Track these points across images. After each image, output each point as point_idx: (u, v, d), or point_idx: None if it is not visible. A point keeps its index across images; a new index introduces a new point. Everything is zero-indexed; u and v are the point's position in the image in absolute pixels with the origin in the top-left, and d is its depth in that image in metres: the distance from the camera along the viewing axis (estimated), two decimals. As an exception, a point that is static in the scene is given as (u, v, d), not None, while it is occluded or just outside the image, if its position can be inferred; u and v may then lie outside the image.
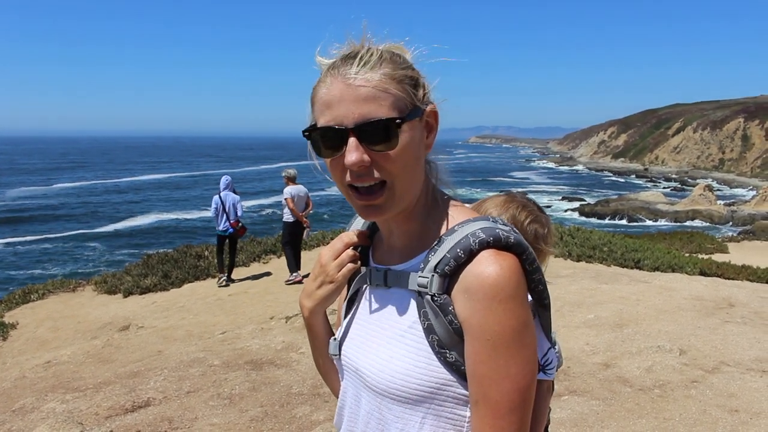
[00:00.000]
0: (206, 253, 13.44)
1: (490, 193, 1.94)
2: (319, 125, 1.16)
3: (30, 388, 6.23)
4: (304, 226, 11.07)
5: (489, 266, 1.11)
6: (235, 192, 11.44)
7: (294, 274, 11.14)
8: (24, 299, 11.76)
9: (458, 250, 1.13)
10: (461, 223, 1.20)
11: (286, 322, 7.76)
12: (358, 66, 1.13)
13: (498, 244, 1.13)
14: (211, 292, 10.89)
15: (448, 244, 1.16)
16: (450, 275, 1.15)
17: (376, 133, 1.11)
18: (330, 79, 1.15)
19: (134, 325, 9.18)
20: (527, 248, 1.16)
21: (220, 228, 11.27)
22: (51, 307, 11.14)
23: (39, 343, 9.11)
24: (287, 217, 11.06)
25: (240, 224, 11.37)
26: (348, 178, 1.16)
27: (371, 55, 1.15)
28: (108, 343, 7.90)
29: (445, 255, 1.15)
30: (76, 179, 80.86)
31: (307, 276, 11.57)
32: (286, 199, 10.96)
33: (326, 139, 1.15)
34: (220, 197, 11.25)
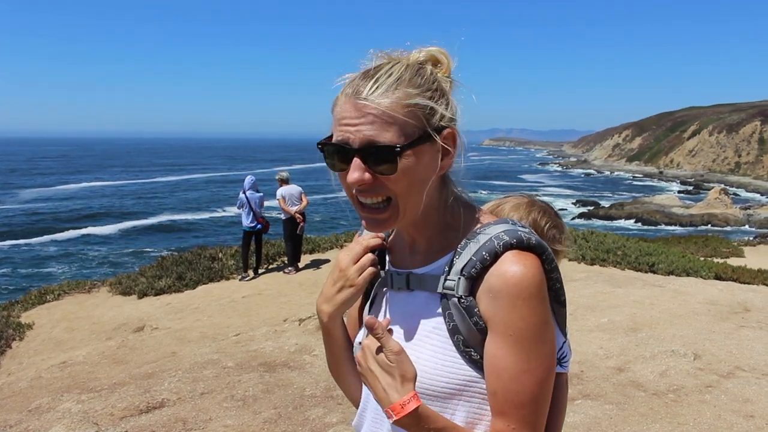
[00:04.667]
0: (220, 255, 13.50)
1: (501, 195, 1.95)
2: (331, 141, 1.21)
3: (46, 388, 6.30)
4: (298, 221, 11.96)
5: (513, 266, 1.16)
6: (258, 191, 12.21)
7: (288, 267, 12.32)
8: (40, 300, 11.85)
9: (484, 253, 1.19)
10: (483, 226, 1.25)
11: (300, 324, 7.79)
12: (372, 87, 1.16)
13: (521, 245, 1.18)
14: (225, 294, 10.94)
15: (473, 247, 1.21)
16: (475, 278, 1.19)
17: (377, 157, 1.15)
18: (344, 97, 1.19)
19: (148, 326, 9.24)
20: (546, 249, 1.22)
21: (249, 225, 11.99)
22: (66, 308, 11.22)
23: (55, 344, 9.19)
24: (283, 215, 12.16)
25: (265, 220, 12.17)
26: (354, 192, 1.22)
27: (389, 75, 1.18)
28: (123, 344, 7.97)
29: (470, 258, 1.20)
30: (92, 180, 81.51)
31: (301, 270, 11.90)
32: (278, 199, 12.05)
33: (335, 156, 1.21)
34: (246, 196, 11.93)
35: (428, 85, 1.21)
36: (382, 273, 1.38)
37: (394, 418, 1.13)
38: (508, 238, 1.18)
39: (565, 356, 1.56)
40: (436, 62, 1.26)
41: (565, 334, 1.56)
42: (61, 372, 6.91)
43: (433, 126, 1.19)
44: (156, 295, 11.57)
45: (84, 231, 41.67)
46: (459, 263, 1.21)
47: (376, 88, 1.16)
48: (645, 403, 4.94)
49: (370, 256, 1.35)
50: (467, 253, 1.21)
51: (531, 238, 1.20)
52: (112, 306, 11.12)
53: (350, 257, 1.36)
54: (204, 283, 12.03)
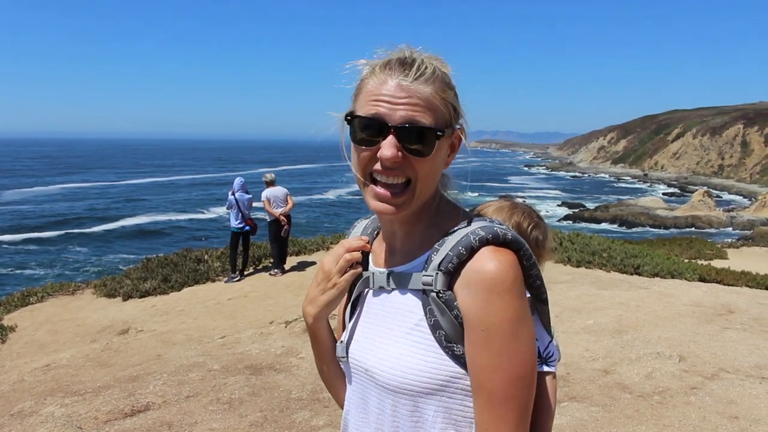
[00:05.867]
0: (206, 256, 13.43)
1: (489, 198, 1.96)
2: (362, 114, 1.22)
3: (29, 392, 6.23)
4: (282, 224, 11.90)
5: (489, 262, 1.18)
6: (247, 192, 12.23)
7: (274, 270, 12.23)
8: (23, 302, 11.73)
9: (460, 248, 1.20)
10: (462, 223, 1.27)
11: (286, 326, 7.75)
12: (415, 74, 1.20)
13: (497, 240, 1.20)
14: (210, 296, 10.88)
15: (450, 243, 1.23)
16: (453, 272, 1.21)
17: (415, 137, 1.19)
18: (384, 76, 1.22)
19: (133, 328, 9.17)
20: (523, 245, 1.24)
21: (237, 225, 12.03)
22: (50, 310, 11.11)
23: (38, 347, 9.09)
24: (268, 217, 12.08)
25: (253, 222, 12.23)
26: (378, 167, 1.23)
27: (426, 68, 1.22)
28: (107, 347, 7.89)
29: (447, 253, 1.22)
30: (78, 181, 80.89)
31: (286, 272, 11.86)
32: (263, 201, 12.04)
33: (367, 129, 1.22)
34: (235, 197, 11.95)
35: (451, 84, 1.27)
36: (365, 273, 1.40)
37: None
38: (483, 234, 1.20)
39: (552, 355, 1.56)
40: None
41: (550, 334, 1.55)
42: (45, 375, 6.84)
43: (454, 121, 1.26)
44: (141, 297, 11.49)
45: (66, 232, 41.27)
46: (436, 259, 1.23)
47: (420, 75, 1.21)
48: (631, 405, 4.96)
49: (350, 256, 1.38)
50: (444, 249, 1.23)
51: (507, 233, 1.22)
52: (97, 308, 11.02)
53: (333, 259, 1.39)
54: (189, 285, 11.97)
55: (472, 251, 1.19)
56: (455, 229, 1.26)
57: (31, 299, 11.83)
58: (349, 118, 1.25)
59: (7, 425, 5.10)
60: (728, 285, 11.32)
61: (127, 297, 11.50)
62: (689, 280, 11.31)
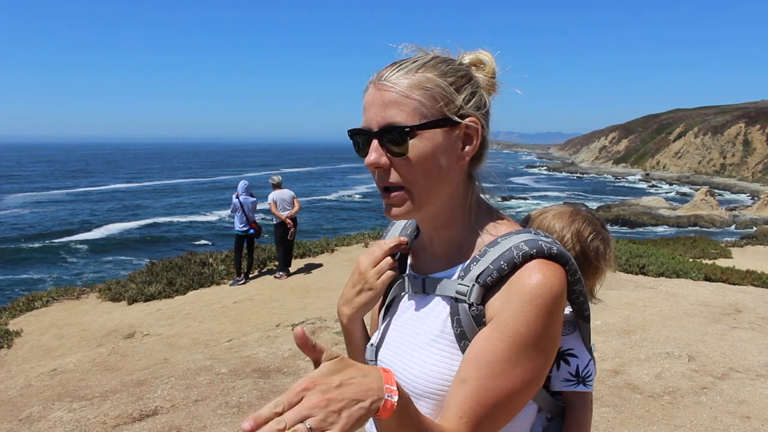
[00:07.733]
0: (210, 260, 13.43)
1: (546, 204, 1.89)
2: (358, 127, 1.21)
3: (36, 397, 6.22)
4: (288, 227, 11.93)
5: (533, 274, 1.12)
6: (251, 195, 12.28)
7: (279, 272, 12.26)
8: (28, 307, 11.72)
9: (502, 263, 1.15)
10: (504, 235, 1.21)
11: (292, 329, 7.72)
12: (393, 71, 1.17)
13: (541, 254, 1.14)
14: (215, 299, 10.87)
15: (492, 255, 1.17)
16: (490, 286, 1.15)
17: (391, 138, 1.14)
18: (370, 85, 1.19)
19: (139, 332, 9.16)
20: (570, 259, 1.17)
21: (241, 229, 12.02)
22: (55, 315, 11.11)
23: (44, 351, 9.08)
24: (275, 220, 12.12)
25: (258, 225, 12.25)
26: (376, 177, 1.21)
27: (414, 62, 1.18)
28: (113, 351, 7.88)
29: (488, 266, 1.16)
30: (81, 185, 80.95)
31: (292, 275, 11.89)
32: (269, 203, 12.04)
33: (359, 141, 1.21)
34: (239, 200, 11.99)
35: (453, 72, 1.20)
36: (402, 276, 1.36)
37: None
38: (527, 248, 1.14)
39: (590, 375, 1.49)
40: (479, 63, 1.25)
41: (590, 352, 1.50)
42: (52, 380, 6.83)
43: (453, 111, 1.17)
44: (146, 301, 11.48)
45: (70, 237, 41.20)
46: (475, 270, 1.18)
47: (398, 71, 1.17)
48: (641, 405, 4.95)
49: (389, 260, 1.35)
50: (485, 261, 1.17)
51: (552, 247, 1.15)
52: (102, 312, 11.02)
53: (370, 260, 1.35)
54: (194, 289, 11.96)
55: (514, 267, 1.13)
56: (497, 239, 1.20)
57: (36, 304, 11.82)
58: (349, 133, 1.23)
59: (15, 430, 5.09)
60: (734, 284, 11.29)
61: (132, 301, 11.49)
62: (695, 280, 11.29)
